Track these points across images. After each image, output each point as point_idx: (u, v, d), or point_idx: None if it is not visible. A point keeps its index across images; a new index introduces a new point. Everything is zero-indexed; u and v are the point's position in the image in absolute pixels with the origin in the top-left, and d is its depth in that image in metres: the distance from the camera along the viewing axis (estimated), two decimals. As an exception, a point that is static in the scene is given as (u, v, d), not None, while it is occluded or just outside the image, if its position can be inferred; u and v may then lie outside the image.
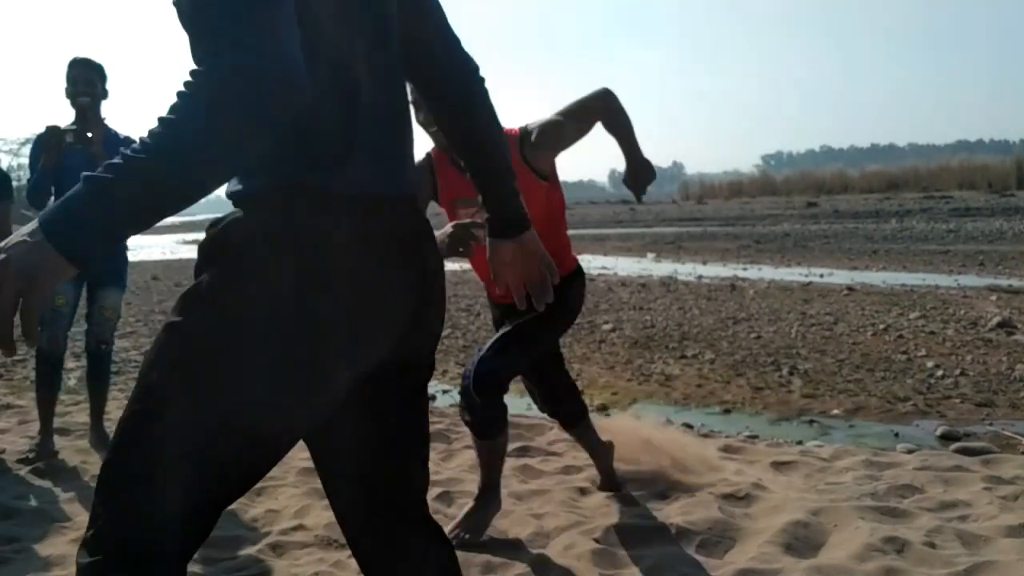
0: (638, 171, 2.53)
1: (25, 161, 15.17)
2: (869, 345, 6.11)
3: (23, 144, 23.81)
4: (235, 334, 1.01)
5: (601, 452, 2.98)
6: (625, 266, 14.04)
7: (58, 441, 3.65)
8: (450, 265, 8.55)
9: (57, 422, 3.77)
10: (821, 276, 11.31)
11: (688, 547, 2.48)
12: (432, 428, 3.06)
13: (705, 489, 2.95)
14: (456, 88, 1.30)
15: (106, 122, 3.65)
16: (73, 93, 3.55)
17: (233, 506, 2.92)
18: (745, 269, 12.86)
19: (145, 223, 0.90)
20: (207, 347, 1.01)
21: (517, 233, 1.35)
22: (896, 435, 3.93)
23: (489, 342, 2.55)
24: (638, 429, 3.48)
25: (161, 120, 0.89)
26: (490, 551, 2.46)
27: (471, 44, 0.94)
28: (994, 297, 8.36)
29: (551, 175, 2.55)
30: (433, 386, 4.89)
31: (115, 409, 3.99)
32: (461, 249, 1.98)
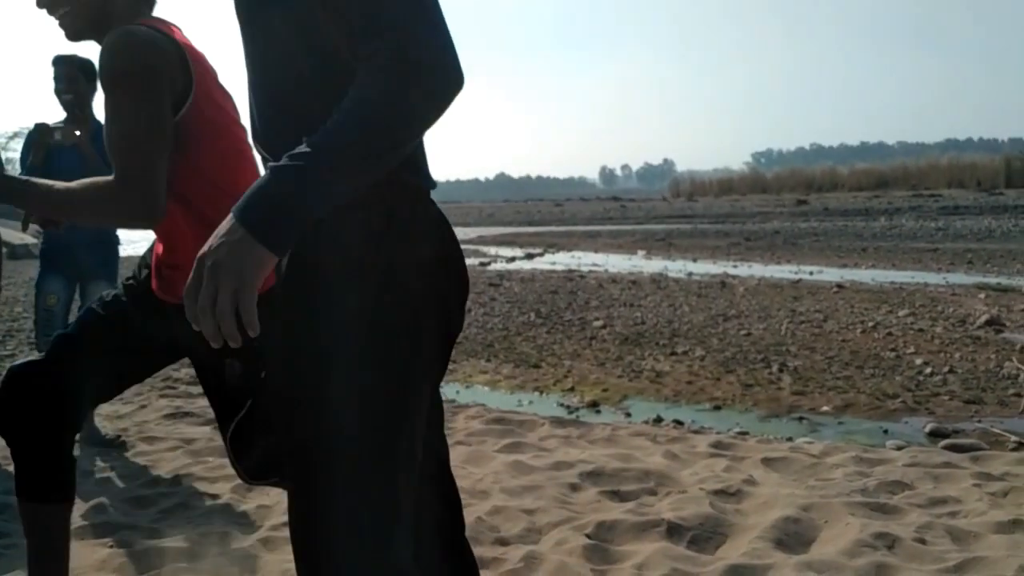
0: None
1: (14, 155, 15.07)
2: (858, 342, 6.14)
3: (11, 138, 23.56)
4: (398, 317, 1.05)
5: None
6: (616, 263, 14.07)
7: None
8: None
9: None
10: (811, 274, 11.38)
11: (679, 543, 2.48)
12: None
13: (696, 485, 2.96)
14: None
15: (101, 117, 3.61)
16: (57, 91, 3.51)
17: (224, 501, 2.94)
18: (735, 266, 12.91)
19: (339, 200, 0.94)
20: (382, 328, 1.04)
21: None
22: (885, 432, 3.96)
23: None
24: None
25: (344, 113, 0.92)
26: (481, 547, 2.46)
27: (458, 42, 0.94)
28: (982, 295, 8.42)
29: None
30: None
31: (106, 405, 3.96)
32: None
